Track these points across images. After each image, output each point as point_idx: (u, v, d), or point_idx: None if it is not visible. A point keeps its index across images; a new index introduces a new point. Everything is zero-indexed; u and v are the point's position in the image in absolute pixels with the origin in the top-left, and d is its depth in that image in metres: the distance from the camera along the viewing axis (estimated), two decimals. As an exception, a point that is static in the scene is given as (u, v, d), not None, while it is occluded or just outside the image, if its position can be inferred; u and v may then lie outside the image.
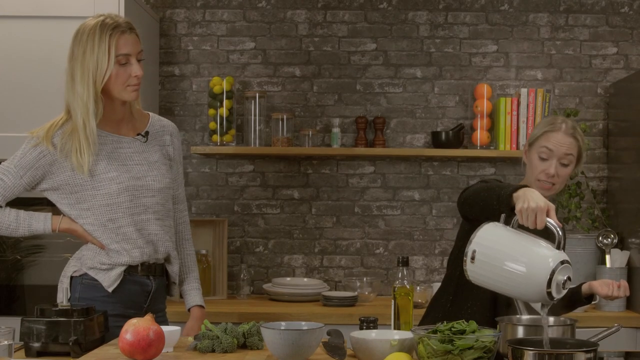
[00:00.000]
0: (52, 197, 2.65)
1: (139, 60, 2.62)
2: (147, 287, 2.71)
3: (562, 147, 2.71)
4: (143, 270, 2.68)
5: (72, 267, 2.68)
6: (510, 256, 2.10)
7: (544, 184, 2.74)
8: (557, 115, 3.10)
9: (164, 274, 2.77)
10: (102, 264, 2.63)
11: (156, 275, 2.72)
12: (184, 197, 2.90)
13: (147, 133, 2.73)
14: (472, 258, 2.15)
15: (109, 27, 2.54)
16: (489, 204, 2.33)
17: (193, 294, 2.88)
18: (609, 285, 2.71)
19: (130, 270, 2.65)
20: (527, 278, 2.07)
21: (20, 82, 3.58)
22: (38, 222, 2.63)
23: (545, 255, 2.06)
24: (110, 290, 2.63)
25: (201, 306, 2.87)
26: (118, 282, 2.63)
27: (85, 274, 2.64)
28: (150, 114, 2.84)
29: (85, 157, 2.55)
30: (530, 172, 2.78)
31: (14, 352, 2.26)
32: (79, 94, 2.55)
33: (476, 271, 2.17)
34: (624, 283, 2.72)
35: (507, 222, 2.21)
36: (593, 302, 2.91)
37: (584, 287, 2.79)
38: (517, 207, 2.19)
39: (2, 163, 2.64)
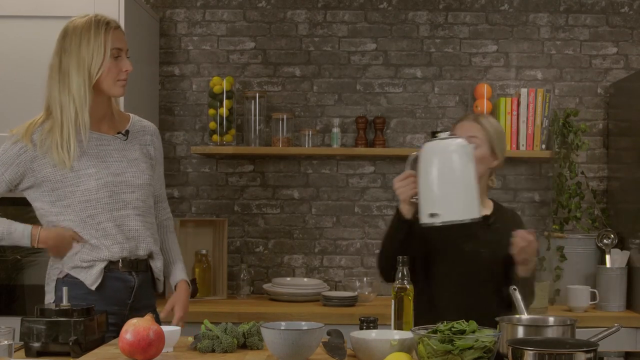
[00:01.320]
0: (33, 195, 2.67)
1: (127, 57, 2.70)
2: (130, 283, 2.70)
3: (466, 132, 2.81)
4: (124, 266, 2.68)
5: (55, 270, 2.70)
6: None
7: None
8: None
9: (147, 270, 2.77)
10: (83, 261, 2.64)
11: (139, 271, 2.72)
12: (165, 196, 2.98)
13: (127, 132, 2.77)
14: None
15: (102, 23, 2.64)
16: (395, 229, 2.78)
17: (178, 272, 2.89)
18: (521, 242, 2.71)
19: (111, 266, 2.66)
20: None
21: (20, 82, 3.57)
22: (17, 230, 2.64)
23: None
24: (93, 288, 2.63)
25: (186, 281, 2.89)
26: (100, 279, 2.64)
27: (68, 274, 2.66)
28: (131, 115, 2.88)
29: (69, 152, 2.59)
30: None
31: (14, 352, 2.26)
32: (75, 86, 2.60)
33: None
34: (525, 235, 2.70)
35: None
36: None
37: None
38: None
39: None
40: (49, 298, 2.69)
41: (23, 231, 2.64)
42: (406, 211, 2.72)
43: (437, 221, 2.53)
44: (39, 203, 2.67)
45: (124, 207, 2.67)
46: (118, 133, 2.75)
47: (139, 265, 2.72)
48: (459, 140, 2.58)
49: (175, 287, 2.88)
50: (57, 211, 2.65)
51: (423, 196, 2.56)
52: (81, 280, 2.64)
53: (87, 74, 2.60)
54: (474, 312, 2.46)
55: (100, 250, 2.64)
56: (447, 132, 2.64)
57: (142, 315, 2.44)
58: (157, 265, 2.79)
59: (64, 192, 2.63)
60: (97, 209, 2.63)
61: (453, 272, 2.83)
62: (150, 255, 2.77)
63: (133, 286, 2.71)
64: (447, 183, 2.54)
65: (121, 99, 3.53)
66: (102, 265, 2.64)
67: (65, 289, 2.38)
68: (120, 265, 2.67)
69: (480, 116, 2.94)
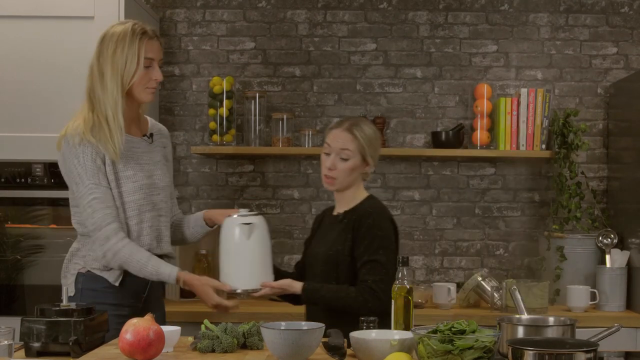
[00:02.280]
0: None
1: (160, 67, 2.80)
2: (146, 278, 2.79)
3: (337, 142, 2.95)
4: None
5: (75, 265, 2.78)
6: None
7: (326, 179, 3.00)
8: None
9: None
10: (106, 266, 2.74)
11: None
12: (174, 195, 3.12)
13: (151, 135, 2.89)
14: None
15: (138, 32, 2.72)
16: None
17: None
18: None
19: None
20: None
21: (20, 82, 3.58)
22: (166, 267, 2.75)
23: None
24: (116, 284, 2.74)
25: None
26: (121, 276, 2.75)
27: (89, 271, 2.75)
28: (147, 117, 2.97)
29: (116, 144, 2.70)
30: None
31: (14, 352, 2.26)
32: (109, 89, 2.71)
33: None
34: None
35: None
36: None
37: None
38: None
39: (76, 187, 2.71)
40: (69, 291, 2.63)
41: (170, 274, 2.75)
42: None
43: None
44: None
45: (153, 209, 2.80)
46: (143, 135, 2.86)
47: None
48: (245, 219, 2.81)
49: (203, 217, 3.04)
50: None
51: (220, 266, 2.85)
52: (102, 276, 2.74)
53: (120, 80, 2.71)
54: (324, 312, 2.70)
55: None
56: (247, 210, 2.87)
57: (153, 309, 2.56)
58: (170, 262, 2.86)
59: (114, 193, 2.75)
60: (134, 210, 2.75)
61: (308, 274, 3.00)
62: (167, 254, 2.87)
63: (148, 280, 2.79)
64: (231, 257, 2.82)
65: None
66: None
67: (65, 289, 2.39)
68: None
69: (354, 126, 2.98)
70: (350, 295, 2.83)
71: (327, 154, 2.99)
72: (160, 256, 2.83)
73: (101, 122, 2.70)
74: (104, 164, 2.71)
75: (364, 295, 2.81)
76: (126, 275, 2.74)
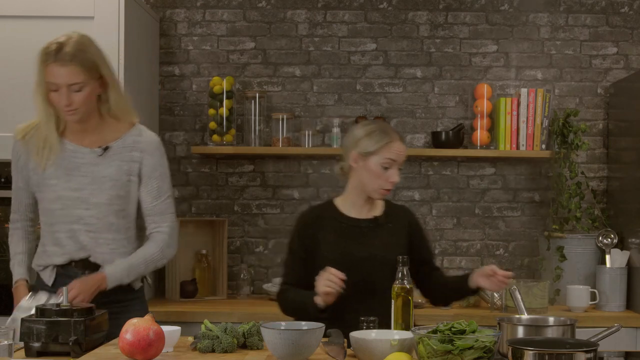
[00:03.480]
0: None
1: (78, 90, 2.65)
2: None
3: (402, 157, 2.93)
4: (77, 266, 2.78)
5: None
6: None
7: (385, 191, 2.93)
8: (375, 121, 3.33)
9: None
10: (38, 265, 2.82)
11: (94, 270, 2.75)
12: (165, 210, 2.84)
13: (107, 148, 2.77)
14: None
15: (44, 53, 2.65)
16: (305, 313, 2.74)
17: (113, 264, 2.79)
18: (492, 279, 2.79)
19: (63, 265, 2.79)
20: None
21: (20, 82, 3.57)
22: (16, 271, 2.87)
23: None
24: (49, 284, 2.78)
25: (102, 275, 2.74)
26: (54, 277, 2.79)
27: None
28: (137, 126, 2.84)
29: (43, 158, 2.74)
30: (372, 181, 2.90)
31: (14, 352, 2.26)
32: (36, 101, 2.71)
33: None
34: (502, 273, 2.78)
35: None
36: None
37: (471, 281, 2.86)
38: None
39: None
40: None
41: (15, 277, 2.87)
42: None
43: None
44: None
45: (76, 222, 2.75)
46: (98, 147, 2.76)
47: (94, 267, 2.77)
48: None
49: None
50: (39, 213, 2.85)
51: None
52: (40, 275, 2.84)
53: (41, 97, 2.69)
54: (377, 315, 2.54)
55: (52, 256, 2.79)
56: None
57: (114, 308, 2.58)
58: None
59: (38, 197, 2.81)
60: (54, 218, 2.77)
61: (349, 281, 2.78)
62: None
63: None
64: None
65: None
66: (53, 266, 2.79)
67: (65, 289, 2.39)
68: (73, 265, 2.78)
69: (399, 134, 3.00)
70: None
71: (387, 168, 2.91)
72: (88, 262, 2.77)
73: (40, 130, 2.73)
74: (26, 167, 2.78)
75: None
76: (58, 276, 2.77)
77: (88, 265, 2.76)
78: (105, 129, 2.79)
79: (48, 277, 2.79)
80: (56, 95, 2.65)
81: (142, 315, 2.75)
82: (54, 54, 2.62)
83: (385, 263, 2.84)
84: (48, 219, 2.78)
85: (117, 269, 2.76)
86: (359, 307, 2.75)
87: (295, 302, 2.88)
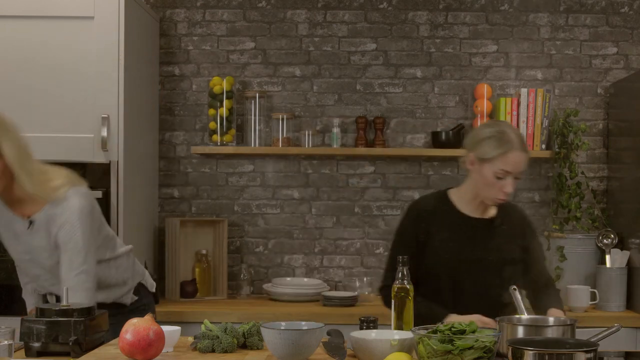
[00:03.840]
0: None
1: None
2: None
3: (518, 168, 2.77)
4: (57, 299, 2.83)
5: None
6: None
7: (499, 201, 2.81)
8: (499, 123, 3.07)
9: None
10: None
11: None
12: (76, 286, 2.62)
13: (31, 222, 2.71)
14: None
15: None
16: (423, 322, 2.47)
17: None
18: None
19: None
20: None
21: (20, 82, 3.57)
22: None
23: None
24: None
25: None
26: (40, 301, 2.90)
27: None
28: (55, 199, 2.69)
29: None
30: (485, 188, 2.80)
31: (14, 352, 2.26)
32: None
33: None
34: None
35: None
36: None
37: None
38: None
39: None
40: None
41: None
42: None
43: None
44: None
45: (35, 280, 2.86)
46: (27, 218, 2.71)
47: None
48: None
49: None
50: None
51: None
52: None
53: None
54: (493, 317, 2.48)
55: (28, 284, 2.98)
56: None
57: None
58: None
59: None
60: (21, 271, 2.95)
61: (458, 282, 2.77)
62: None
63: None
64: None
65: (121, 99, 3.54)
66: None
67: (65, 290, 2.39)
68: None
69: (522, 138, 2.83)
70: (559, 298, 2.90)
71: (500, 178, 2.77)
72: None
73: None
74: None
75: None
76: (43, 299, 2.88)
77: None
78: (28, 200, 2.69)
79: (30, 304, 2.96)
80: None
81: None
82: None
83: (497, 267, 2.78)
84: (19, 267, 2.94)
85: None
86: (465, 309, 2.68)
87: (417, 309, 2.73)
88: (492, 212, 2.90)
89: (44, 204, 2.68)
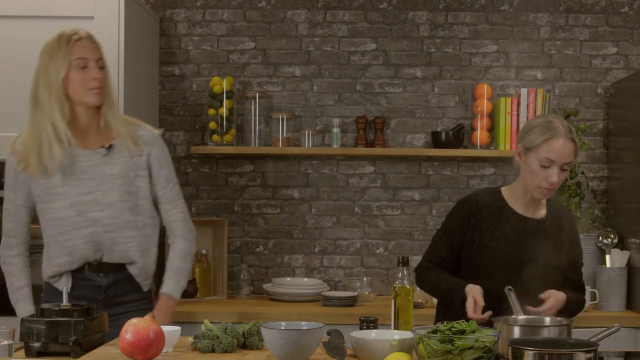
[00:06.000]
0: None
1: (101, 68, 2.72)
2: (98, 283, 2.79)
3: (563, 157, 2.71)
4: (89, 270, 2.79)
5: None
6: None
7: (544, 191, 2.75)
8: (549, 115, 3.04)
9: (124, 270, 2.83)
10: (51, 277, 2.80)
11: (109, 272, 2.80)
12: (174, 197, 2.92)
13: (110, 146, 2.77)
14: None
15: (66, 36, 2.69)
16: (446, 298, 2.84)
17: (164, 284, 2.90)
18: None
19: (76, 271, 2.79)
20: None
21: (20, 82, 3.56)
22: (21, 308, 2.83)
23: None
24: (68, 290, 2.71)
25: (168, 295, 2.86)
26: (70, 283, 2.77)
27: (45, 281, 2.85)
28: (134, 123, 2.86)
29: (51, 161, 2.68)
30: (530, 178, 2.76)
31: (14, 352, 2.26)
32: (46, 103, 2.67)
33: None
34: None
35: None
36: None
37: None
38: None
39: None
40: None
41: (20, 315, 2.79)
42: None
43: None
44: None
45: (92, 225, 2.75)
46: (101, 147, 2.76)
47: (109, 268, 2.80)
48: None
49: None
50: (42, 224, 2.79)
51: None
52: (53, 285, 2.82)
53: (56, 89, 2.66)
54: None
55: (63, 266, 2.77)
56: None
57: (122, 310, 2.64)
58: (132, 270, 2.83)
59: (42, 208, 2.77)
60: (67, 227, 2.73)
61: (502, 281, 2.72)
62: (125, 264, 2.83)
63: (101, 286, 2.79)
64: None
65: (121, 99, 3.53)
66: (68, 275, 2.79)
67: (65, 289, 2.39)
68: (86, 269, 2.78)
69: (571, 128, 2.78)
70: (582, 299, 2.89)
71: (546, 167, 2.71)
72: (116, 263, 2.80)
73: (47, 141, 2.68)
74: (27, 181, 2.75)
75: (584, 296, 2.94)
76: (75, 281, 2.78)
77: (101, 268, 2.78)
78: (104, 128, 2.79)
79: (64, 284, 2.76)
80: (83, 72, 2.68)
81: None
82: (77, 34, 2.69)
83: (544, 268, 2.74)
84: (58, 229, 2.74)
85: (171, 283, 2.86)
86: (507, 308, 2.63)
87: (440, 285, 2.81)
88: (542, 212, 2.86)
89: (122, 129, 2.78)
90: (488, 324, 2.39)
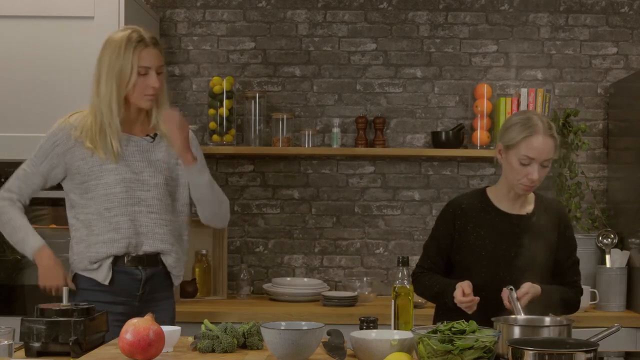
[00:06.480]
0: (67, 186, 2.86)
1: (158, 73, 2.82)
2: (137, 276, 2.83)
3: (542, 154, 2.71)
4: (130, 262, 2.82)
5: (71, 266, 2.87)
6: None
7: (526, 187, 2.76)
8: (528, 111, 3.06)
9: (159, 264, 2.89)
10: (92, 263, 2.80)
11: (147, 266, 2.85)
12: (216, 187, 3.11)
13: (155, 135, 2.91)
14: None
15: (134, 40, 2.76)
16: (440, 300, 2.87)
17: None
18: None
19: (117, 261, 2.80)
20: None
21: (21, 82, 3.58)
22: (33, 239, 2.83)
23: None
24: (106, 282, 2.79)
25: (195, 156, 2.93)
26: (110, 275, 2.79)
27: (76, 273, 2.84)
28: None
29: (113, 146, 2.78)
30: (511, 175, 2.77)
31: (14, 352, 2.26)
32: (102, 96, 2.78)
33: None
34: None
35: None
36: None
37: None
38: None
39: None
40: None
41: (32, 245, 2.83)
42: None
43: None
44: (71, 195, 2.85)
45: (137, 204, 2.82)
46: (147, 135, 2.89)
47: (147, 260, 2.85)
48: None
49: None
50: (83, 203, 2.82)
51: None
52: (89, 277, 2.81)
53: (116, 86, 2.77)
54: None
55: (106, 245, 2.79)
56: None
57: (154, 308, 2.62)
58: (168, 261, 2.89)
59: (89, 185, 2.80)
60: (114, 202, 2.79)
61: (492, 278, 2.75)
62: (162, 252, 2.88)
63: (141, 279, 2.84)
64: None
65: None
66: (109, 262, 2.80)
67: (65, 289, 2.39)
68: (126, 260, 2.82)
69: (550, 124, 2.77)
70: (571, 296, 2.87)
71: (525, 165, 2.72)
72: (154, 254, 2.85)
73: (102, 126, 2.79)
74: (66, 155, 2.80)
75: (579, 295, 2.90)
76: (113, 273, 2.80)
77: (140, 261, 2.83)
78: (149, 118, 2.91)
79: (104, 276, 2.79)
80: (143, 79, 2.77)
81: (172, 315, 2.86)
82: (145, 39, 2.77)
83: (531, 263, 2.75)
84: (105, 205, 2.80)
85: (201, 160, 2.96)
86: (499, 306, 2.64)
87: (433, 288, 2.84)
88: (529, 207, 2.87)
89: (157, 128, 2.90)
90: (488, 324, 2.38)
